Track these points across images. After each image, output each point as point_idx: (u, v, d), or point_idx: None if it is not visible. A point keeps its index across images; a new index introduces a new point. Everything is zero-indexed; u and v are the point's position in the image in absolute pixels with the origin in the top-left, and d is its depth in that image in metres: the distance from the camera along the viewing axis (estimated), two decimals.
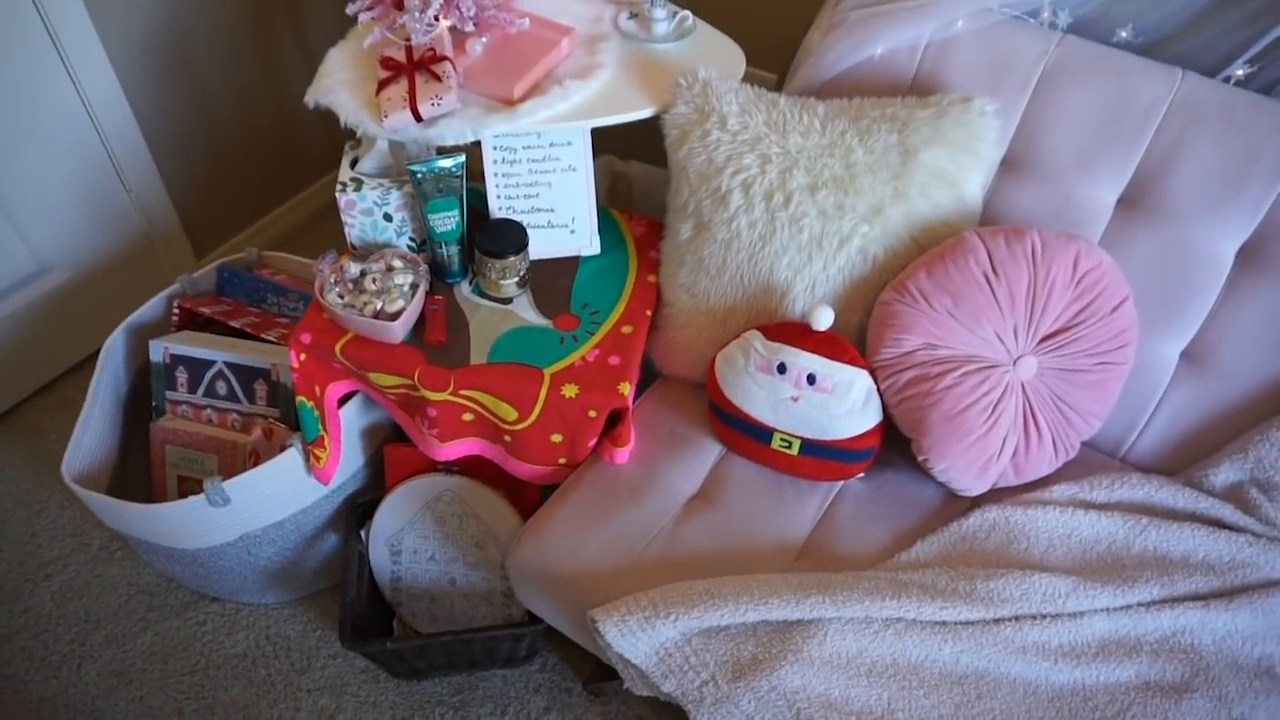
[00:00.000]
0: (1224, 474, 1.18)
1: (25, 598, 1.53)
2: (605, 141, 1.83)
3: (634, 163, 1.84)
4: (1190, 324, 1.19)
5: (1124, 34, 1.25)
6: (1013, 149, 1.24)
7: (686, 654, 1.05)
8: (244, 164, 1.99)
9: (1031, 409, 1.14)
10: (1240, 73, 1.17)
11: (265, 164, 2.03)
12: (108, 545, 1.60)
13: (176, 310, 1.52)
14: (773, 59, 1.66)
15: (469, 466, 1.37)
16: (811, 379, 1.13)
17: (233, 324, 1.48)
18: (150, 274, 1.89)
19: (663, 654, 1.05)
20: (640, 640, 1.05)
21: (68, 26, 1.55)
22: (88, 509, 1.60)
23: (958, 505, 1.21)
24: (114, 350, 1.46)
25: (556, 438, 1.23)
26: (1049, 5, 1.25)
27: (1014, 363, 1.13)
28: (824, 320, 1.13)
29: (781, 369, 1.14)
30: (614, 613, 1.05)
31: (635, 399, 1.32)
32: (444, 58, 1.22)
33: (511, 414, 1.21)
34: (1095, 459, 1.26)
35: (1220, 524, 1.15)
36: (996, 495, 1.20)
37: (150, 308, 1.52)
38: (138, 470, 1.49)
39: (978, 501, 1.20)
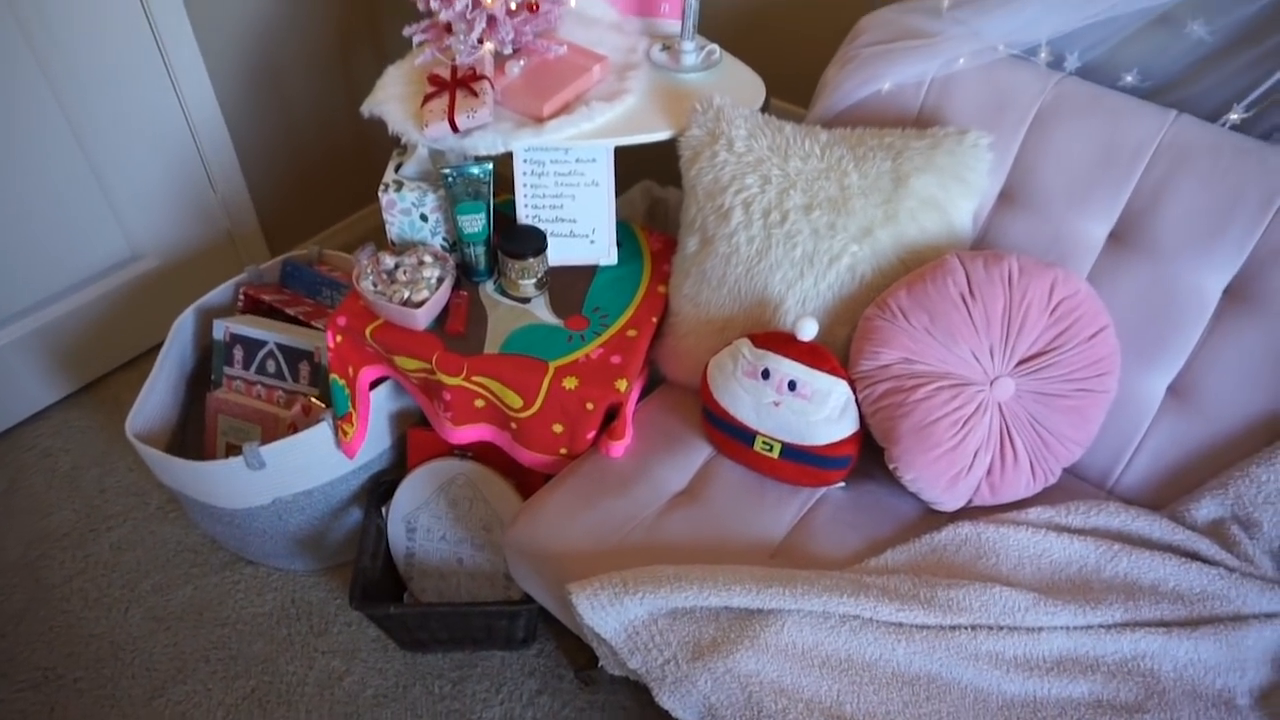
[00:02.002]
0: (1205, 509, 1.18)
1: (88, 545, 1.70)
2: (646, 168, 1.95)
3: (672, 189, 1.95)
4: (1176, 358, 1.21)
5: (1129, 78, 1.29)
6: (1009, 182, 1.29)
7: (652, 633, 1.11)
8: (321, 175, 2.18)
9: (1008, 429, 1.18)
10: (1236, 117, 1.20)
11: (340, 177, 2.22)
12: (164, 506, 1.77)
13: (242, 296, 1.69)
14: (804, 94, 1.75)
15: (482, 455, 1.48)
16: (793, 385, 1.20)
17: (289, 311, 1.64)
18: (228, 268, 2.08)
19: (630, 631, 1.12)
20: (610, 615, 1.12)
21: (174, 41, 1.76)
22: (150, 472, 1.77)
23: (934, 520, 1.24)
24: (184, 327, 1.64)
25: (558, 428, 1.32)
26: (1055, 49, 1.31)
27: (990, 383, 1.17)
28: (808, 331, 1.20)
29: (765, 374, 1.21)
30: (588, 587, 1.13)
31: (640, 401, 1.40)
32: (483, 77, 1.36)
33: (517, 401, 1.31)
34: (1081, 488, 1.28)
35: (1196, 557, 1.16)
36: (973, 514, 1.23)
37: (220, 292, 1.69)
38: (194, 436, 1.65)
39: (954, 518, 1.24)
